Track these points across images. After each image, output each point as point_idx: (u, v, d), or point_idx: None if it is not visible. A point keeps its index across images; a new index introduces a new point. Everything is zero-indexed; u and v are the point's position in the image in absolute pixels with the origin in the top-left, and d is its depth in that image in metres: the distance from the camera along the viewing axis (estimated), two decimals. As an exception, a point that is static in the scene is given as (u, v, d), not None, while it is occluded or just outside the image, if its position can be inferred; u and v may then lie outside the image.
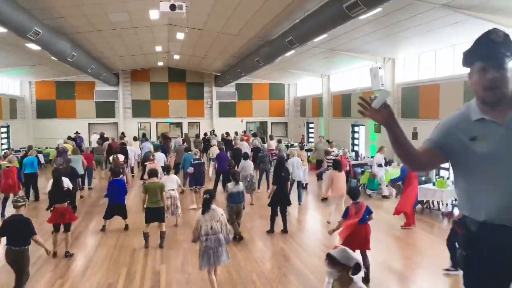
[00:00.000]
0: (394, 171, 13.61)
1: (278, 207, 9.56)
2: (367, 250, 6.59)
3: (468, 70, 2.55)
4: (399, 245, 8.86)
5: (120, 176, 10.36)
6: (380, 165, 13.36)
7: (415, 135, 15.85)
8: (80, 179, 12.91)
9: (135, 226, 9.69)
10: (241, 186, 9.04)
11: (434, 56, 14.95)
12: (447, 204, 11.51)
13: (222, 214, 6.07)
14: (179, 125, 29.53)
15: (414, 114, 15.95)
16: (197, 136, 23.07)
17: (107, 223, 9.74)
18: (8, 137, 23.44)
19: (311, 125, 27.96)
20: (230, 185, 8.93)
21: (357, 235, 6.46)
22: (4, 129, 23.05)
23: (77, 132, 23.57)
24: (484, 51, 2.39)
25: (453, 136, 2.50)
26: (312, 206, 12.97)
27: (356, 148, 21.22)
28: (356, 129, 21.40)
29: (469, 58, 2.49)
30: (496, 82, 2.38)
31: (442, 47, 14.23)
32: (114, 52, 20.28)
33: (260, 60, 15.96)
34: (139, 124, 28.77)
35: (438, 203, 11.80)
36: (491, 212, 2.38)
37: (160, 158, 14.02)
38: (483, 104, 2.46)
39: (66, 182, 9.01)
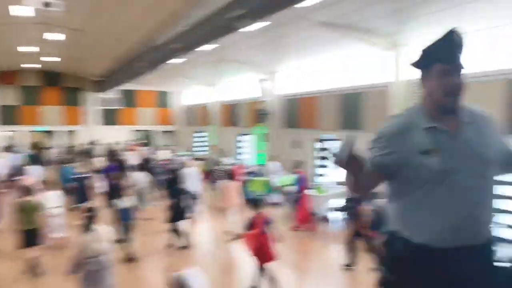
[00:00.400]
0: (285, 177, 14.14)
1: (176, 222, 9.04)
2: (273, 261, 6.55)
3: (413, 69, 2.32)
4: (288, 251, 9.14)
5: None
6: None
7: (296, 144, 16.77)
8: None
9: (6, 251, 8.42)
10: (130, 201, 8.42)
11: (312, 70, 16.02)
12: (324, 209, 12.29)
13: (108, 233, 5.55)
14: (55, 133, 26.94)
15: (295, 124, 16.86)
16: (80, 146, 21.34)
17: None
18: None
19: (199, 134, 27.83)
20: (118, 201, 8.28)
21: (263, 246, 6.36)
22: None
23: None
24: (447, 52, 2.15)
25: (400, 150, 2.18)
26: (205, 217, 12.76)
27: (243, 156, 21.64)
28: (243, 138, 21.87)
29: (428, 58, 2.21)
30: (459, 87, 2.16)
31: (320, 62, 15.32)
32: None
33: (145, 66, 15.36)
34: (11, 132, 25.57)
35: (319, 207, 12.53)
36: (434, 233, 2.09)
37: (35, 172, 12.61)
38: (436, 111, 2.19)
39: None
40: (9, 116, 25.41)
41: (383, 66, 12.48)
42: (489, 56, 9.69)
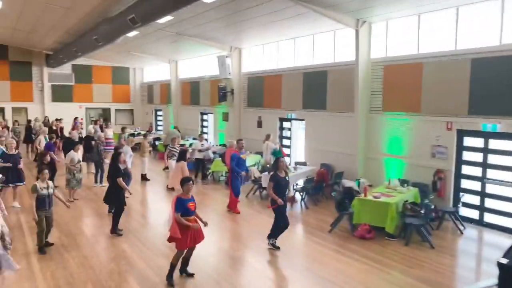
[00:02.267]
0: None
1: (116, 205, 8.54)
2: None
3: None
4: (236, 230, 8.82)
5: None
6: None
7: (259, 124, 16.37)
8: None
9: None
10: (51, 186, 7.36)
11: (277, 48, 15.55)
12: (289, 190, 12.06)
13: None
14: (0, 110, 25.08)
15: (259, 103, 16.41)
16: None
17: None
18: None
19: (159, 113, 26.84)
20: (38, 184, 7.18)
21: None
22: None
23: None
24: None
25: None
26: (156, 198, 12.22)
27: (205, 136, 21.01)
28: (205, 117, 21.21)
29: None
30: None
31: (284, 39, 14.85)
32: None
33: (99, 39, 14.30)
34: None
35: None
36: None
37: None
38: None
39: None
40: None
41: (348, 44, 12.22)
42: (453, 35, 9.60)
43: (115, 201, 8.48)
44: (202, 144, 14.66)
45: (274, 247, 7.56)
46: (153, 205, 11.54)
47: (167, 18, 12.81)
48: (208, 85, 19.98)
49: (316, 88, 13.46)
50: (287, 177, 7.71)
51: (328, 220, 9.35)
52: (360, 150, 11.68)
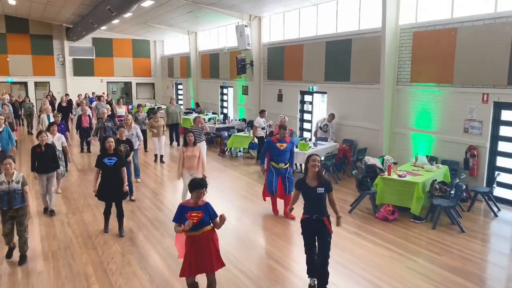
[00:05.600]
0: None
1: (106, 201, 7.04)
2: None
3: None
4: (258, 214, 8.34)
5: None
6: (263, 128, 12.65)
7: (280, 97, 15.68)
8: None
9: None
10: (17, 179, 5.77)
11: (299, 15, 14.65)
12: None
13: None
14: (23, 85, 25.24)
15: (280, 75, 15.67)
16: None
17: None
18: None
19: (180, 87, 26.43)
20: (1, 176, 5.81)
21: (199, 251, 4.53)
22: None
23: None
24: None
25: None
26: (171, 176, 11.87)
27: (225, 110, 20.54)
28: (224, 91, 20.64)
29: None
30: None
31: (306, 6, 13.93)
32: None
33: (112, 9, 13.78)
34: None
35: (300, 165, 11.70)
36: None
37: None
38: None
39: None
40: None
41: (374, 10, 11.27)
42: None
43: (100, 197, 6.98)
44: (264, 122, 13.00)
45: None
46: (168, 184, 11.17)
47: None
48: (227, 57, 19.30)
49: (339, 58, 12.62)
50: (318, 189, 5.01)
51: (349, 200, 8.77)
52: (386, 124, 10.90)
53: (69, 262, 5.95)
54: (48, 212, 7.89)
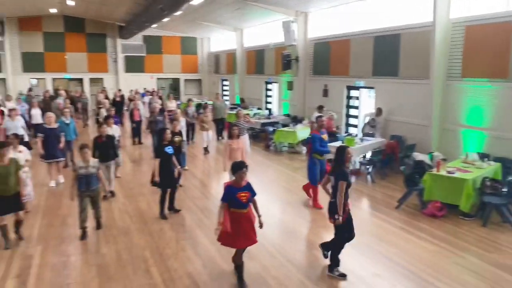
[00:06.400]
0: (304, 129, 13.40)
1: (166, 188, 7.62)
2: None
3: None
4: (302, 207, 8.50)
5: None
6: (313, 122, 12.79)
7: (325, 93, 15.70)
8: None
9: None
10: (93, 164, 6.64)
11: (346, 10, 14.58)
12: (354, 162, 11.50)
13: None
14: (79, 81, 26.71)
15: (325, 71, 15.68)
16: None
17: None
18: None
19: (225, 83, 26.96)
20: (78, 162, 6.69)
21: (246, 226, 5.05)
22: None
23: None
24: None
25: None
26: (219, 168, 12.27)
27: (269, 106, 20.78)
28: (269, 86, 20.87)
29: None
30: None
31: (354, 0, 13.84)
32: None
33: (164, 8, 14.36)
34: (36, 80, 25.50)
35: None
36: None
37: (14, 123, 10.65)
38: None
39: None
40: (32, 63, 25.22)
41: (424, 4, 11.06)
42: None
43: (160, 185, 7.54)
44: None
45: (343, 277, 5.43)
46: (215, 175, 11.57)
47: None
48: (272, 53, 19.49)
49: (387, 53, 12.48)
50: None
51: (396, 196, 8.74)
52: (435, 120, 10.70)
53: (128, 246, 6.42)
54: (108, 193, 8.18)
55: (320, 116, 9.00)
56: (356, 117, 14.49)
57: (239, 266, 5.22)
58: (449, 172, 7.87)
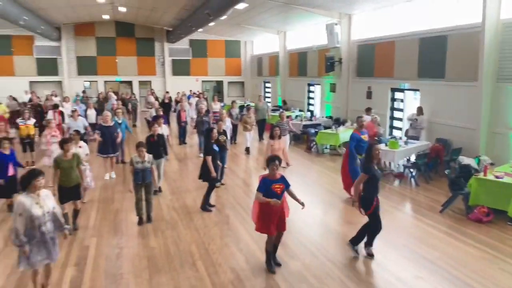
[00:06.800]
0: (346, 131, 13.36)
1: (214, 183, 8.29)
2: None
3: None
4: (344, 208, 8.56)
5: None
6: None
7: (369, 95, 15.57)
8: None
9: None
10: (148, 160, 7.36)
11: (391, 12, 14.41)
12: (398, 165, 11.38)
13: (47, 195, 4.79)
14: (129, 83, 27.92)
15: (369, 73, 15.56)
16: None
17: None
18: None
19: (268, 85, 27.23)
20: (135, 157, 7.36)
21: (277, 214, 5.54)
22: None
23: None
24: None
25: None
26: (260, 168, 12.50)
27: (311, 108, 20.82)
28: (311, 88, 20.91)
29: None
30: None
31: (399, 2, 13.68)
32: (50, 2, 18.34)
33: (210, 13, 14.83)
34: (89, 83, 26.95)
35: (390, 164, 11.63)
36: None
37: (76, 123, 11.66)
38: None
39: None
40: (86, 66, 26.67)
41: (472, 4, 10.77)
42: None
43: (207, 177, 8.12)
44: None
45: (371, 256, 6.11)
46: (256, 174, 11.81)
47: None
48: (315, 56, 19.53)
49: (433, 55, 12.24)
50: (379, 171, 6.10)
51: (440, 200, 8.60)
52: (484, 124, 10.39)
53: (176, 240, 6.78)
54: (158, 189, 9.11)
55: (361, 116, 9.14)
56: (400, 119, 14.27)
57: (269, 252, 5.72)
58: (497, 177, 7.67)
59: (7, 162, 7.78)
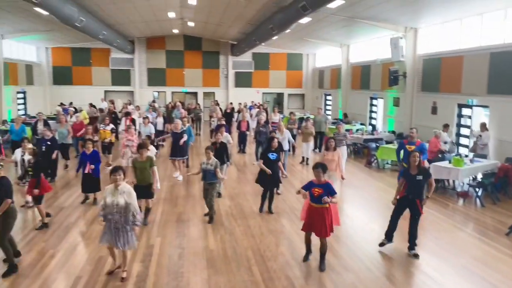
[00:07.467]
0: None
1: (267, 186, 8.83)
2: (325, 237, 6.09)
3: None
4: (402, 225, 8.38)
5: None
6: (445, 143, 12.44)
7: (434, 110, 15.09)
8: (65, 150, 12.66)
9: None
10: (211, 163, 8.06)
11: (459, 26, 13.95)
12: (463, 184, 10.94)
13: (126, 192, 5.59)
14: (194, 94, 29.16)
15: (435, 87, 15.09)
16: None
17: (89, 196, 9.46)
18: (24, 103, 23.59)
19: (328, 97, 27.16)
20: (204, 159, 8.30)
21: (313, 217, 6.09)
22: (21, 95, 23.16)
23: (61, 104, 22.84)
24: None
25: None
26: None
27: (373, 121, 20.49)
28: (374, 102, 20.59)
29: None
30: None
31: (469, 15, 13.22)
32: (126, 18, 19.82)
33: (274, 28, 15.25)
34: (157, 93, 28.57)
35: (453, 182, 11.20)
36: None
37: (145, 129, 13.31)
38: None
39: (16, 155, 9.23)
40: (156, 78, 28.30)
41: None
42: None
43: (260, 182, 8.83)
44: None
45: (416, 257, 6.68)
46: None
47: (338, 2, 12.84)
48: (379, 69, 19.27)
49: (505, 70, 11.67)
50: (417, 176, 6.59)
51: (507, 222, 8.17)
52: (560, 144, 9.74)
53: (233, 245, 7.08)
54: (218, 194, 9.61)
55: (415, 129, 9.96)
56: (467, 136, 13.68)
57: (306, 244, 6.43)
58: None
59: (85, 161, 9.00)
